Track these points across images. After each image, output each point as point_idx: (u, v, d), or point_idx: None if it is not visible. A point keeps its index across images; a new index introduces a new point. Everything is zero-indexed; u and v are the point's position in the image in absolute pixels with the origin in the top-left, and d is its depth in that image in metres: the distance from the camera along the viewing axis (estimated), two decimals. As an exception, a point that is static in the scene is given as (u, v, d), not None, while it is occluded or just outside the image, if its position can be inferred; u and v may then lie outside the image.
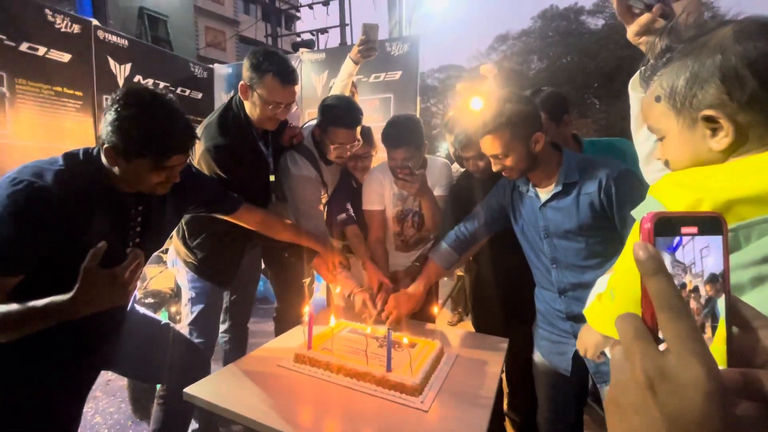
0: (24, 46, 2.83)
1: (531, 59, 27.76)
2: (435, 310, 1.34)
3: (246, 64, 1.42)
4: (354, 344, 1.26)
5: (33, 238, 0.84)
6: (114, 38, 3.41)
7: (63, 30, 3.04)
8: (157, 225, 1.15)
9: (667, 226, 0.26)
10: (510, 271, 1.53)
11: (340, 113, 1.54)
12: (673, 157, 0.57)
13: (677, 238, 0.26)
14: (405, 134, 1.55)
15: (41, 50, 2.92)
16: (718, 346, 0.26)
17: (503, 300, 1.63)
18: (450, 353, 1.30)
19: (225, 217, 1.41)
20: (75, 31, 3.12)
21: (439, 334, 1.44)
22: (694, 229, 0.27)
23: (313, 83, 3.84)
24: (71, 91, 3.11)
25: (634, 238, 0.60)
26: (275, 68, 1.38)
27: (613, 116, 17.18)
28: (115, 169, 0.97)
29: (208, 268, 1.58)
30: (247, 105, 1.48)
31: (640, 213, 0.54)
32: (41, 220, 0.85)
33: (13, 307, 0.77)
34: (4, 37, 2.72)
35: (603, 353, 0.88)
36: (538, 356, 1.35)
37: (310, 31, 10.05)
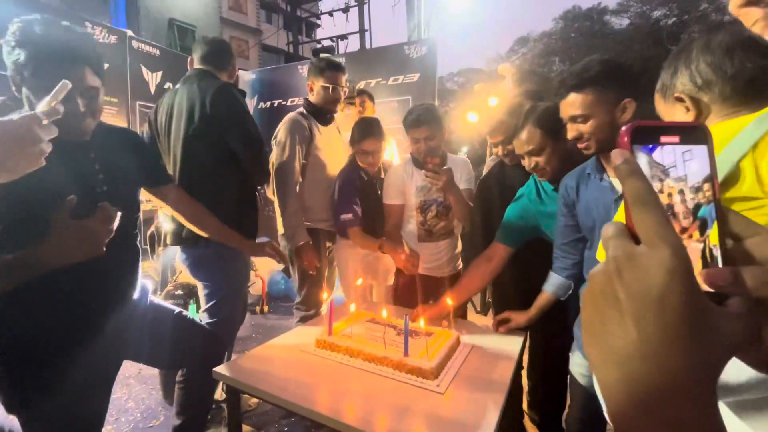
0: (66, 57, 3.03)
1: (552, 61, 27.30)
2: (448, 301, 1.37)
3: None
4: (372, 332, 1.31)
5: None
6: (147, 48, 3.61)
7: (101, 41, 3.25)
8: (119, 174, 1.10)
9: (645, 135, 0.27)
10: (532, 269, 1.53)
11: (328, 60, 1.97)
12: None
13: (656, 146, 0.27)
14: (424, 114, 1.69)
15: (81, 60, 3.13)
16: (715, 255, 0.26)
17: (525, 298, 1.63)
18: (466, 342, 1.32)
19: (152, 194, 1.33)
20: (112, 42, 3.32)
21: (456, 324, 1.46)
22: (675, 138, 0.27)
23: (333, 87, 3.93)
24: (108, 98, 3.31)
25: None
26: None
27: (639, 118, 16.67)
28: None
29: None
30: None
31: None
32: None
33: None
34: (49, 49, 2.93)
35: None
36: (578, 357, 1.24)
37: (330, 38, 10.25)
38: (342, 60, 3.93)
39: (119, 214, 0.88)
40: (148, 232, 2.23)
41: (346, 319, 1.37)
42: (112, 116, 3.35)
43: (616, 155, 0.26)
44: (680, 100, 0.68)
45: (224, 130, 1.54)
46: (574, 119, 1.08)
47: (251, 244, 1.54)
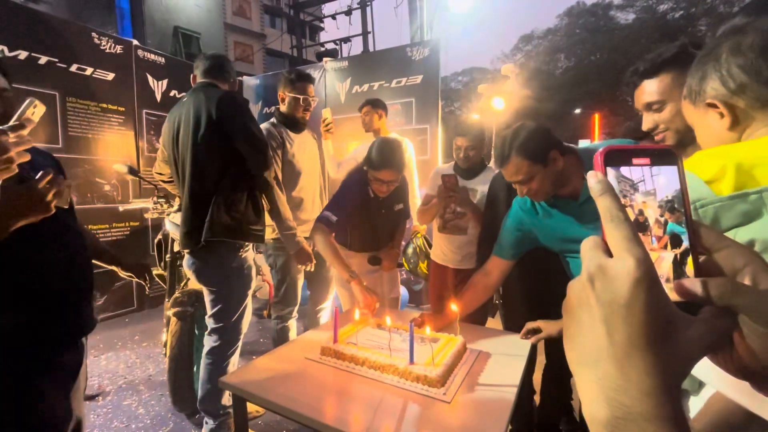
0: (74, 67, 3.08)
1: (558, 58, 27.12)
2: (453, 307, 1.35)
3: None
4: (378, 338, 1.30)
5: None
6: (152, 56, 3.65)
7: (107, 51, 3.29)
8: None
9: (617, 158, 0.29)
10: (541, 268, 1.51)
11: (298, 72, 2.12)
12: (701, 139, 0.70)
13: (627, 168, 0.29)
14: (469, 125, 1.98)
15: (88, 70, 3.17)
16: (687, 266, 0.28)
17: (534, 300, 1.61)
18: (473, 348, 1.31)
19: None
20: (118, 52, 3.36)
21: (463, 330, 1.45)
22: (645, 161, 0.29)
23: (337, 90, 3.94)
24: (115, 107, 3.35)
25: None
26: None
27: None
28: None
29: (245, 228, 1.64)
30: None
31: None
32: None
33: None
34: (57, 60, 2.98)
35: None
36: None
37: (334, 41, 10.26)
38: (345, 63, 3.96)
39: (63, 178, 0.93)
40: (156, 240, 2.25)
41: (351, 325, 1.37)
42: (119, 125, 3.39)
43: (590, 176, 0.28)
44: (713, 106, 0.63)
45: (230, 133, 1.58)
46: (649, 107, 1.05)
47: (132, 266, 1.42)
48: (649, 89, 1.04)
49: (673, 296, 0.27)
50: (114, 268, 1.38)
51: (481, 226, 1.86)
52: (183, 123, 1.63)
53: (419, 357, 1.14)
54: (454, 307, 1.34)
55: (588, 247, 0.28)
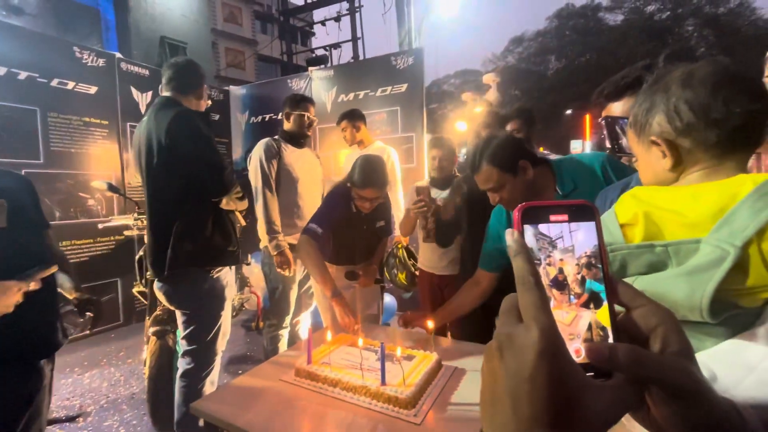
0: (54, 82, 3.05)
1: (548, 59, 27.37)
2: (429, 324, 1.35)
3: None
4: (352, 358, 1.29)
5: None
6: (136, 69, 3.63)
7: (90, 65, 3.27)
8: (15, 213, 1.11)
9: (534, 215, 0.28)
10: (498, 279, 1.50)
11: (302, 95, 2.37)
12: (641, 173, 0.66)
13: (546, 225, 0.28)
14: (442, 138, 2.17)
15: (70, 84, 3.15)
16: (605, 325, 0.28)
17: (487, 306, 1.59)
18: (449, 365, 1.31)
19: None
20: (100, 65, 3.34)
21: (440, 345, 1.45)
22: (564, 217, 0.28)
23: (323, 99, 3.94)
24: (98, 121, 3.32)
25: None
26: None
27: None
28: None
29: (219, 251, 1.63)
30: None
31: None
32: None
33: None
34: (37, 75, 2.95)
35: None
36: None
37: (324, 47, 10.30)
38: (331, 72, 3.97)
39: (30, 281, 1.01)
40: (136, 257, 2.23)
41: (325, 345, 1.36)
42: (103, 138, 3.36)
43: (507, 234, 0.27)
44: (656, 143, 0.58)
45: (183, 158, 1.51)
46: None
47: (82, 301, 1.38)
48: (614, 112, 1.03)
49: (585, 360, 0.26)
50: (66, 294, 1.35)
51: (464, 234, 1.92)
52: (140, 147, 1.58)
53: (393, 377, 1.14)
54: (430, 324, 1.34)
55: (504, 308, 0.27)
